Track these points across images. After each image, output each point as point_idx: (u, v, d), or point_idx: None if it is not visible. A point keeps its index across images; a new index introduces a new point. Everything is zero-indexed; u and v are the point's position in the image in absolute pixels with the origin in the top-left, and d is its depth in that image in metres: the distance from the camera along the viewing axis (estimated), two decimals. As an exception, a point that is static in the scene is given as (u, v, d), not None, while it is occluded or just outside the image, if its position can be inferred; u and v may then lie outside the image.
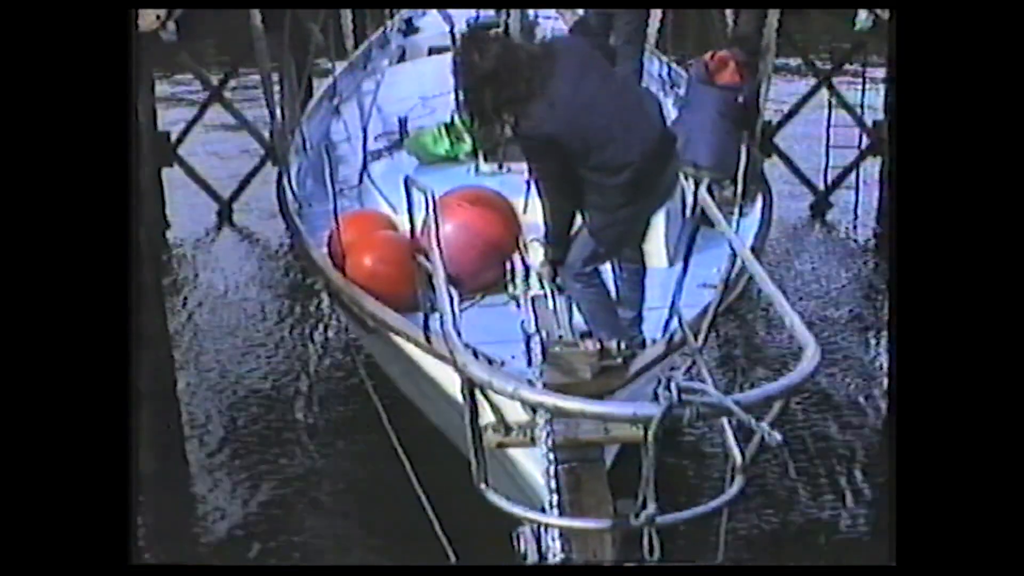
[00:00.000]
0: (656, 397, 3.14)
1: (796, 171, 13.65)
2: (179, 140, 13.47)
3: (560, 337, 5.40)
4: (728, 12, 11.05)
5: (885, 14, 7.06)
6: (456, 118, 7.87)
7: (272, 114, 10.97)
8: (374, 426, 7.44)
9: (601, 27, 8.16)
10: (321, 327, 10.73)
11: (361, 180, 7.99)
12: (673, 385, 3.10)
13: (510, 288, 6.15)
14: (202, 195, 13.62)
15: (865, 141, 13.36)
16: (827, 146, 13.36)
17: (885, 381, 9.15)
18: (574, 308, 5.62)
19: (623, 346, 5.17)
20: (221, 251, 13.20)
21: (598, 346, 5.14)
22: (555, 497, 4.48)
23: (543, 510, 4.47)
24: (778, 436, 3.19)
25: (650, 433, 3.16)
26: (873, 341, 10.46)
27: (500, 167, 7.70)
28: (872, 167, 13.37)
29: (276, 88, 10.49)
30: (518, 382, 3.49)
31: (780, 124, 13.60)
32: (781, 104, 13.82)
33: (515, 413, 4.95)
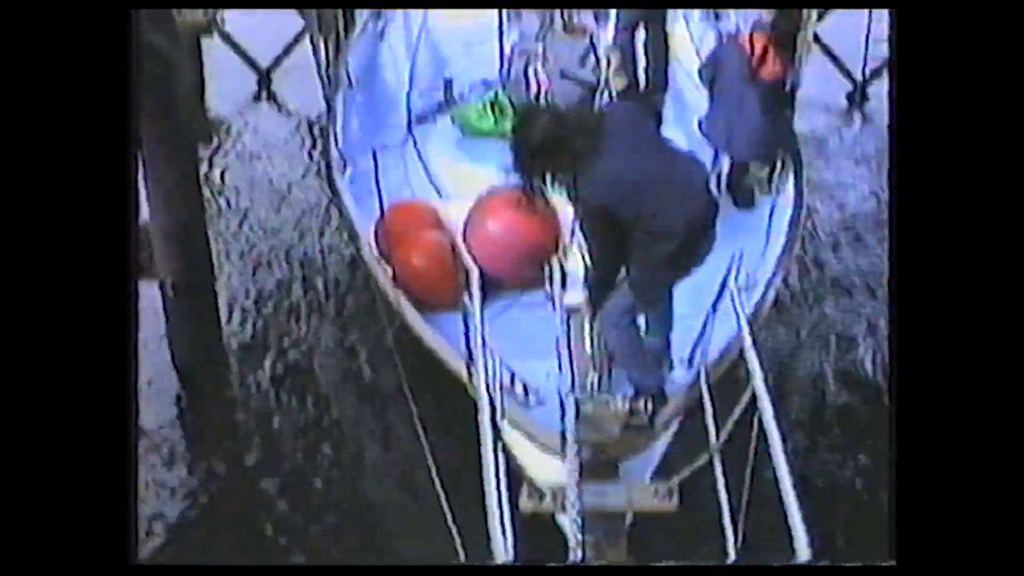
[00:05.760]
0: None
1: (835, 61, 13.60)
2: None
3: (592, 387, 5.73)
4: None
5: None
6: (500, 94, 7.98)
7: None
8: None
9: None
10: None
11: (406, 141, 8.14)
12: None
13: (547, 288, 6.38)
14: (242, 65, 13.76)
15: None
16: (867, 38, 13.27)
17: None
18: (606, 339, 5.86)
19: (649, 406, 5.48)
20: (259, 121, 13.36)
21: (627, 406, 5.46)
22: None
23: None
24: None
25: None
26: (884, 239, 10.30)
27: None
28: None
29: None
30: None
31: (821, 15, 13.42)
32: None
33: (545, 474, 5.30)
